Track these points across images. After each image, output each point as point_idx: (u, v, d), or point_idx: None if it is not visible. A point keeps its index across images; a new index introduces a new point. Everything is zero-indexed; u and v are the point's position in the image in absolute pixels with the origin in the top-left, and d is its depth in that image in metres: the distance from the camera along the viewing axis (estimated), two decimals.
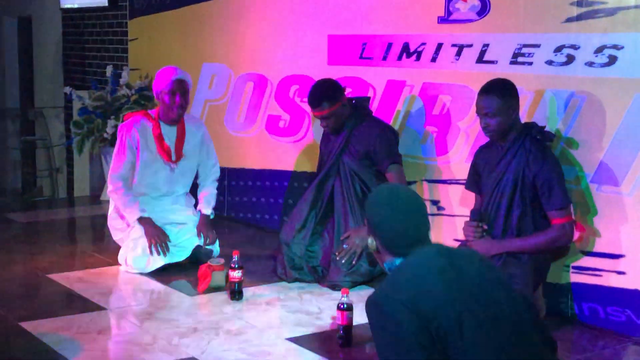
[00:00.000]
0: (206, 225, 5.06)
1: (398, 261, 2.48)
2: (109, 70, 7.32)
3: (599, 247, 3.99)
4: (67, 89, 7.34)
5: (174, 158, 5.04)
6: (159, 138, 4.97)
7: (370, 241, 2.59)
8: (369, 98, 5.01)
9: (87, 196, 7.86)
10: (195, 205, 5.20)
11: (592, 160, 3.98)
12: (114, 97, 7.04)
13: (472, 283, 2.34)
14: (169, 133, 5.02)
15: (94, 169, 7.79)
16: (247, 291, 4.49)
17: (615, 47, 3.88)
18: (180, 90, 4.90)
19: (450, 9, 4.66)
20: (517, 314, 2.35)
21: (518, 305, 2.39)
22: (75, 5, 8.25)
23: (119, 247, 5.08)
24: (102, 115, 6.94)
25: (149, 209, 4.97)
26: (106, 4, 7.72)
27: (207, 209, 5.15)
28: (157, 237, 4.85)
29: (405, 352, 2.22)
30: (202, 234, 5.01)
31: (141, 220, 4.91)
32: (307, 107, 5.53)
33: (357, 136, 4.68)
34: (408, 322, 2.23)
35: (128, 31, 7.62)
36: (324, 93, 4.63)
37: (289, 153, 5.90)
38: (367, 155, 4.66)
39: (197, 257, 4.97)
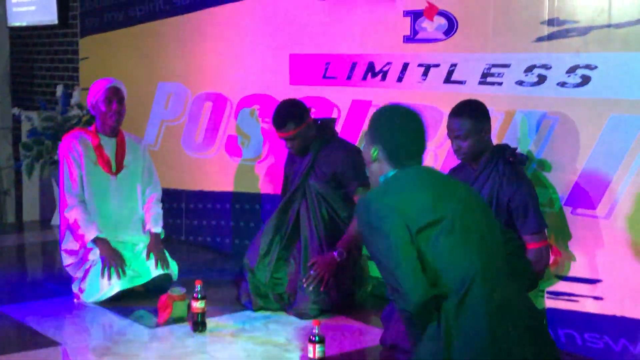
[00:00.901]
0: (157, 245, 4.87)
1: (392, 173, 2.78)
2: (59, 90, 7.09)
3: (574, 271, 3.89)
4: (15, 110, 7.08)
5: (114, 169, 4.90)
6: (99, 148, 4.88)
7: (373, 149, 2.83)
8: (335, 119, 4.87)
9: (38, 221, 7.57)
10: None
11: (566, 182, 3.89)
12: (65, 118, 6.80)
13: (458, 198, 2.74)
14: (109, 144, 4.93)
15: (44, 193, 7.51)
16: (211, 322, 4.28)
17: (588, 67, 3.80)
18: (117, 97, 4.85)
19: (417, 28, 4.56)
20: (491, 234, 2.78)
21: (494, 227, 2.83)
22: (24, 24, 7.98)
23: (71, 276, 4.86)
24: (53, 136, 6.69)
25: (103, 231, 4.79)
26: (56, 22, 7.48)
27: (156, 227, 4.96)
28: (113, 259, 4.64)
29: (386, 243, 2.62)
30: (152, 255, 4.80)
31: (97, 240, 4.71)
32: (269, 127, 5.39)
33: (324, 158, 4.53)
34: (390, 219, 2.62)
35: (79, 50, 7.38)
36: (289, 113, 4.48)
37: (250, 175, 5.73)
38: (334, 177, 4.52)
39: (156, 284, 4.76)
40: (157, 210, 5.03)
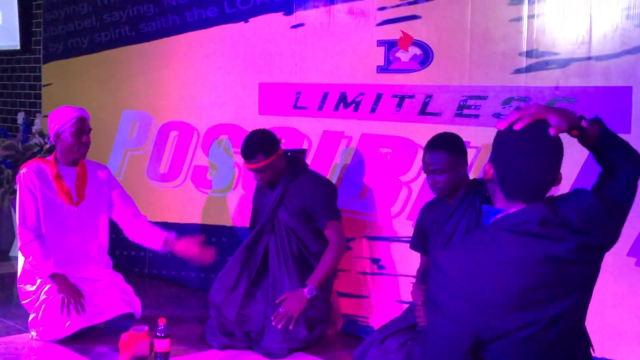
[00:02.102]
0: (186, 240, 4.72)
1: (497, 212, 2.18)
2: (20, 117, 6.88)
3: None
4: None
5: (75, 200, 4.70)
6: (57, 178, 4.67)
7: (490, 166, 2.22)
8: (305, 150, 4.73)
9: None
10: (155, 243, 4.77)
11: None
12: (26, 146, 6.58)
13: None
14: (68, 174, 4.73)
15: (3, 223, 7.25)
16: None
17: (567, 99, 3.70)
18: (86, 129, 4.63)
19: (391, 58, 4.44)
20: None
21: None
22: None
23: (28, 312, 4.63)
24: (13, 165, 6.46)
25: (62, 265, 4.57)
26: (18, 47, 7.28)
27: (171, 233, 4.78)
28: (71, 294, 4.43)
29: None
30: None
31: (54, 277, 4.49)
32: (237, 158, 5.23)
33: (293, 190, 4.38)
34: None
35: (42, 76, 7.18)
36: (259, 145, 4.32)
37: (217, 206, 5.56)
38: (304, 211, 4.36)
39: (118, 322, 4.56)
40: (153, 227, 4.83)
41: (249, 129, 4.79)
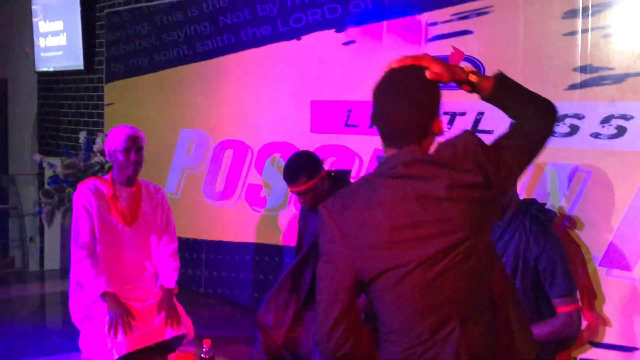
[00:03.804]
0: (168, 301, 4.62)
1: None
2: (82, 136, 6.97)
3: (609, 338, 3.58)
4: (37, 157, 6.98)
5: (128, 220, 4.69)
6: (113, 199, 4.65)
7: None
8: (350, 171, 4.60)
9: (58, 269, 7.42)
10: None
11: (600, 241, 3.60)
12: (87, 165, 6.68)
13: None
14: (124, 194, 4.70)
15: (65, 241, 7.37)
16: None
17: (623, 117, 3.53)
18: (135, 146, 4.63)
19: None
20: None
21: None
22: (51, 69, 7.94)
23: (80, 331, 4.65)
24: (74, 183, 6.55)
25: (113, 285, 4.57)
26: (82, 68, 7.40)
27: (169, 282, 4.72)
28: (121, 315, 4.40)
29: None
30: (162, 311, 4.57)
31: (105, 295, 4.48)
32: None
33: None
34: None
35: (104, 95, 7.28)
36: (301, 167, 4.20)
37: (271, 226, 5.51)
38: None
39: (167, 342, 4.53)
40: (172, 263, 4.81)
41: (302, 147, 4.73)
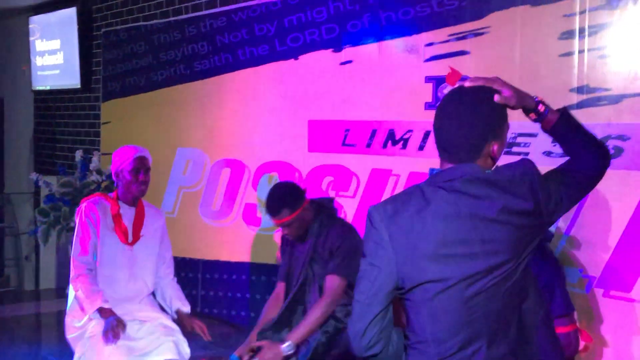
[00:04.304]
0: (191, 317, 4.62)
1: (435, 171, 2.22)
2: (78, 154, 6.96)
3: (607, 359, 3.57)
4: (33, 175, 6.96)
5: (130, 239, 4.68)
6: (117, 217, 4.63)
7: None
8: (333, 199, 4.48)
9: (54, 289, 7.39)
10: (163, 308, 4.76)
11: (598, 261, 3.60)
12: (83, 184, 6.65)
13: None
14: (127, 213, 4.69)
15: (60, 260, 7.35)
16: None
17: (620, 137, 3.53)
18: (144, 167, 4.61)
19: (439, 94, 4.34)
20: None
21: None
22: (48, 87, 7.94)
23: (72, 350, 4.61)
24: (70, 202, 6.54)
25: (110, 303, 4.54)
26: (79, 86, 7.41)
27: (186, 306, 4.71)
28: (115, 324, 4.35)
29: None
30: (194, 326, 4.56)
31: (102, 310, 4.44)
32: None
33: (323, 244, 4.05)
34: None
35: (101, 114, 7.28)
36: (283, 199, 4.09)
37: (268, 245, 5.49)
38: (332, 256, 4.02)
39: None
40: (177, 287, 4.80)
41: (299, 166, 4.73)
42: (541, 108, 2.21)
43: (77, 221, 4.71)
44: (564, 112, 2.24)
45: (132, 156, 4.62)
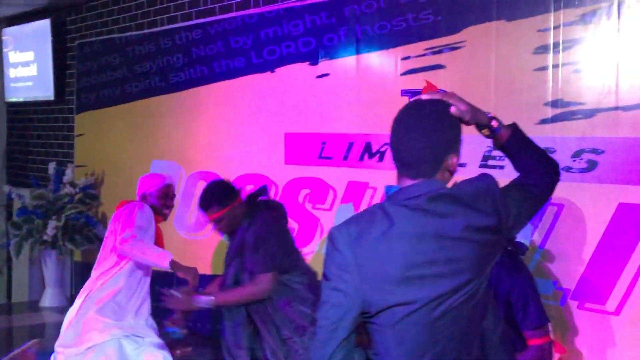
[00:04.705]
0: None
1: (393, 189, 2.10)
2: (51, 167, 6.91)
3: None
4: (6, 187, 6.90)
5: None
6: (158, 228, 4.60)
7: None
8: (265, 187, 4.34)
9: (26, 302, 7.31)
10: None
11: (572, 274, 3.63)
12: (56, 196, 6.61)
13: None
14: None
15: (33, 273, 7.27)
16: None
17: (594, 151, 3.58)
18: (170, 194, 4.64)
19: None
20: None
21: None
22: (21, 99, 7.89)
23: None
24: (43, 215, 6.49)
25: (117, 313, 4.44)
26: (52, 98, 7.36)
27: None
28: (195, 270, 4.27)
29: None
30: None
31: (174, 263, 4.27)
32: None
33: (251, 231, 3.98)
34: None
35: (75, 126, 7.24)
36: (213, 196, 4.12)
37: None
38: (256, 248, 3.96)
39: None
40: None
41: (276, 179, 4.72)
42: (494, 124, 2.21)
43: (136, 207, 4.48)
44: (516, 128, 2.24)
45: (162, 183, 4.61)
